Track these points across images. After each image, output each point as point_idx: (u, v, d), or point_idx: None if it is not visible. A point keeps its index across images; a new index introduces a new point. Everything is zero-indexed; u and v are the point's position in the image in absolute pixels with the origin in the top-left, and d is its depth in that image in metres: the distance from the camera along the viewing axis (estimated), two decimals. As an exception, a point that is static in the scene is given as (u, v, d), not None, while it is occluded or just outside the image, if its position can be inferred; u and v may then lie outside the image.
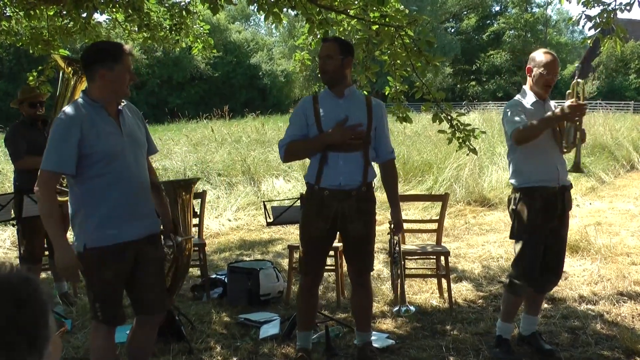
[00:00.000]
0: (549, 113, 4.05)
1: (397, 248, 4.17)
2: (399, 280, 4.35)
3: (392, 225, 4.27)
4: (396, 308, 4.22)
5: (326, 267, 5.72)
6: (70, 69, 4.97)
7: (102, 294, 3.32)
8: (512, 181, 4.25)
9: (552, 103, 4.29)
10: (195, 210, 5.46)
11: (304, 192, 4.22)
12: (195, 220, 5.73)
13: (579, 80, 4.06)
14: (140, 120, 3.51)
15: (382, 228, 7.94)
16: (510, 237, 4.32)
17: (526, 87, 4.25)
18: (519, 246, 4.20)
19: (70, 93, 5.00)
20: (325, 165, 3.95)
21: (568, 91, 4.12)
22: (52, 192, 3.21)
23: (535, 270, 4.16)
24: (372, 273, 6.26)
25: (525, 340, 4.44)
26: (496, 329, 4.44)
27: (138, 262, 3.36)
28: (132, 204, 3.28)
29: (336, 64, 3.97)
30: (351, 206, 3.96)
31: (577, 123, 4.07)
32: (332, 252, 4.42)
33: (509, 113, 4.13)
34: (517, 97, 4.27)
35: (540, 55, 4.14)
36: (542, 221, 4.10)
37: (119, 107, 3.34)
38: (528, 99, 4.18)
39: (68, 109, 3.24)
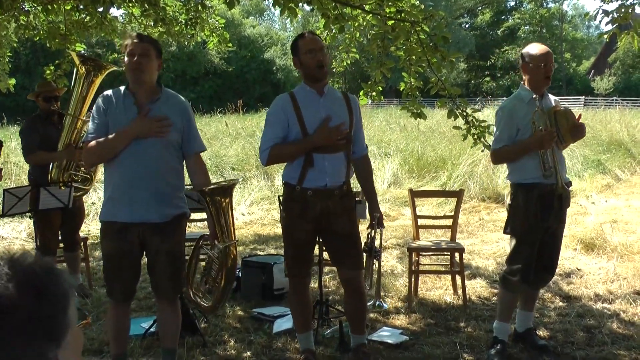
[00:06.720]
0: (527, 139, 4.03)
1: (376, 242, 4.13)
2: (375, 275, 4.34)
3: (376, 220, 4.10)
4: (370, 302, 4.21)
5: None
6: (83, 68, 4.99)
7: (104, 266, 3.70)
8: (510, 177, 4.23)
9: (552, 98, 4.25)
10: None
11: (282, 194, 4.07)
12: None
13: (538, 110, 4.01)
14: (181, 116, 3.62)
15: (392, 224, 7.94)
16: (504, 232, 4.32)
17: (522, 85, 4.21)
18: (513, 242, 4.18)
19: (85, 90, 5.03)
20: (311, 167, 3.82)
21: (531, 120, 4.02)
22: (92, 154, 3.62)
23: (531, 268, 4.11)
24: (385, 269, 6.31)
25: (520, 336, 4.39)
26: (493, 329, 4.36)
27: (147, 250, 3.61)
28: (130, 189, 3.49)
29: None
30: (336, 203, 3.86)
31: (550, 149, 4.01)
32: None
33: (500, 122, 4.13)
34: (512, 98, 4.26)
35: (533, 50, 4.13)
36: (538, 218, 4.04)
37: (156, 98, 3.56)
38: (524, 97, 4.13)
39: (106, 92, 3.62)
